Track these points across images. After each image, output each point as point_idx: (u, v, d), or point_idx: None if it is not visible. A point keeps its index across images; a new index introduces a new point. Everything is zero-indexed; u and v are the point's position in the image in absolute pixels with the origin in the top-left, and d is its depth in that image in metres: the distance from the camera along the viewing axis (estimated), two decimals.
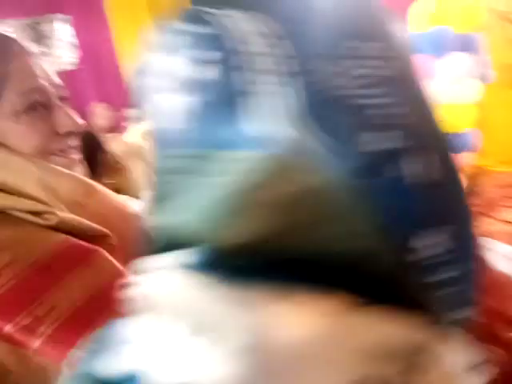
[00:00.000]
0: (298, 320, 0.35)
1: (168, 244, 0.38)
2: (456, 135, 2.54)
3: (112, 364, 0.37)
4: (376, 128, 0.33)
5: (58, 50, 4.27)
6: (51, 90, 0.74)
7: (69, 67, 4.33)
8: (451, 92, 2.50)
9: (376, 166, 0.33)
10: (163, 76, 0.38)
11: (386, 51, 0.38)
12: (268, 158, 0.31)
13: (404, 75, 0.41)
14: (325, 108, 0.32)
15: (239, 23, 0.34)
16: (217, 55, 0.34)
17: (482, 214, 3.84)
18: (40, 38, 4.25)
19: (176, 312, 0.36)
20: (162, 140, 0.40)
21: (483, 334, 1.04)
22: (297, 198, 0.33)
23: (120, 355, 0.37)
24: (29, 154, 0.70)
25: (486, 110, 4.62)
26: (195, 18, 0.37)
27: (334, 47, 0.35)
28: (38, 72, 0.73)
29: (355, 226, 0.33)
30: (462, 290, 0.40)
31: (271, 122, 0.31)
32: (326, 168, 0.31)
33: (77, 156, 0.78)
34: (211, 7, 0.38)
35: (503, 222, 3.53)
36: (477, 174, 3.36)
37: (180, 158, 0.37)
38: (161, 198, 0.40)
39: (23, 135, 0.70)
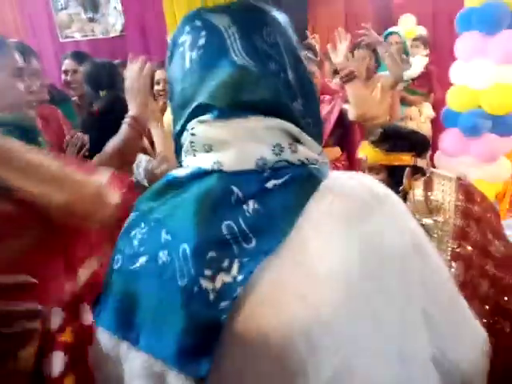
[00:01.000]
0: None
1: None
2: (498, 117, 2.46)
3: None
4: None
5: (109, 17, 4.40)
6: None
7: (117, 33, 4.46)
8: (498, 72, 2.41)
9: None
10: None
11: None
12: None
13: None
14: None
15: None
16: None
17: None
18: (94, 5, 4.38)
19: None
20: None
21: (493, 305, 1.05)
22: None
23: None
24: None
25: None
26: None
27: None
28: None
29: None
30: None
31: None
32: None
33: None
34: None
35: None
36: None
37: None
38: None
39: None
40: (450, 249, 1.02)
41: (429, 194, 1.09)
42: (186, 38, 0.61)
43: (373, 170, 1.48)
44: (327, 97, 2.15)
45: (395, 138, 1.49)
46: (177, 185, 0.60)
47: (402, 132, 1.59)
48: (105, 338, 0.61)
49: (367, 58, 2.58)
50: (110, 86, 2.24)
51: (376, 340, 0.52)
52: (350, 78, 1.88)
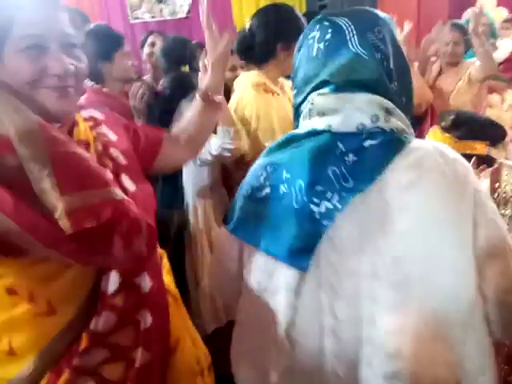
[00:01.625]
0: None
1: None
2: None
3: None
4: None
5: None
6: (51, 35, 0.87)
7: (183, 15, 4.57)
8: None
9: None
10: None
11: None
12: None
13: None
14: None
15: None
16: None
17: None
18: None
19: None
20: None
21: None
22: None
23: None
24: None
25: None
26: None
27: None
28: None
29: None
30: None
31: None
32: None
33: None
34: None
35: None
36: None
37: None
38: None
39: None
40: None
41: (496, 185, 1.05)
42: (315, 34, 0.84)
43: None
44: None
45: (468, 125, 1.44)
46: (295, 140, 0.84)
47: (475, 119, 1.52)
48: (232, 242, 0.91)
49: (455, 41, 2.47)
50: (186, 61, 2.31)
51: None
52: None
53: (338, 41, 0.80)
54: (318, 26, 0.84)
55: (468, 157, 1.37)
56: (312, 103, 0.82)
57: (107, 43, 2.05)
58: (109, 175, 0.91)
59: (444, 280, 0.72)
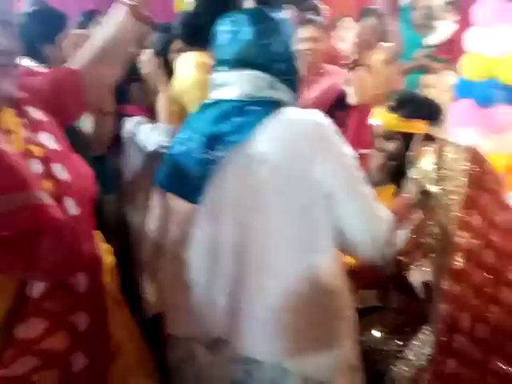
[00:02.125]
0: None
1: None
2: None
3: None
4: None
5: None
6: None
7: None
8: None
9: None
10: None
11: None
12: None
13: None
14: None
15: None
16: None
17: None
18: None
19: None
20: None
21: (493, 274, 1.06)
22: None
23: None
24: None
25: None
26: None
27: None
28: None
29: None
30: None
31: None
32: None
33: None
34: None
35: None
36: None
37: None
38: None
39: None
40: (458, 218, 1.01)
41: (439, 161, 1.07)
42: (223, 27, 1.08)
43: (388, 137, 1.47)
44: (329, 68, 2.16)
45: (412, 105, 1.48)
46: (205, 107, 1.10)
47: (418, 99, 1.57)
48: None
49: (374, 27, 2.49)
50: None
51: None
52: (354, 66, 1.97)
53: (236, 32, 1.03)
54: (225, 21, 1.08)
55: (412, 137, 1.41)
56: (214, 79, 1.08)
57: (49, 25, 1.91)
58: (33, 171, 0.82)
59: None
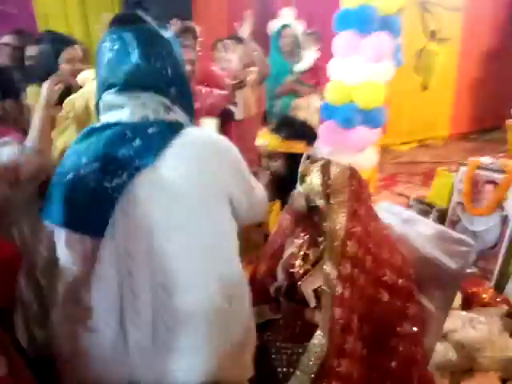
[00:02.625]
0: None
1: None
2: (368, 111, 2.76)
3: None
4: None
5: None
6: None
7: None
8: (369, 70, 2.68)
9: None
10: None
11: None
12: None
13: None
14: None
15: None
16: None
17: (384, 187, 4.27)
18: None
19: None
20: None
21: (374, 277, 1.23)
22: None
23: None
24: None
25: (392, 93, 5.01)
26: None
27: None
28: None
29: None
30: None
31: None
32: None
33: None
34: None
35: (400, 195, 3.98)
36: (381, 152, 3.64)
37: None
38: None
39: None
40: (344, 228, 1.12)
41: (325, 178, 1.18)
42: (107, 44, 1.00)
43: (272, 156, 1.58)
44: (208, 89, 2.22)
45: (290, 127, 1.61)
46: (94, 132, 0.99)
47: (295, 122, 1.71)
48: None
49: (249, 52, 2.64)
50: None
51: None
52: (240, 85, 2.07)
53: (122, 52, 0.97)
54: (108, 37, 0.99)
55: (294, 156, 1.52)
56: (103, 101, 1.00)
57: None
58: None
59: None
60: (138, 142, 0.93)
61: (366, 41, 2.58)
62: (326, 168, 1.21)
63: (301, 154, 1.45)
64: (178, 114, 0.99)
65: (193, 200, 0.95)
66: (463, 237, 1.39)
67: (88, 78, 1.91)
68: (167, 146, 0.93)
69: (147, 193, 0.92)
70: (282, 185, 1.57)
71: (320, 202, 1.20)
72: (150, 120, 0.95)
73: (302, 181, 1.28)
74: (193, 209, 0.95)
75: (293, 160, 1.49)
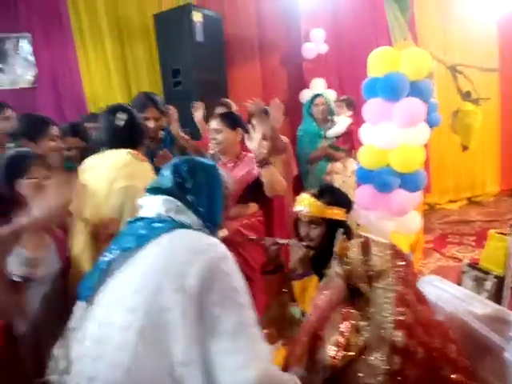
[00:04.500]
0: None
1: None
2: (406, 175, 2.67)
3: None
4: None
5: (15, 67, 4.09)
6: None
7: (28, 85, 4.14)
8: (403, 134, 2.64)
9: None
10: None
11: None
12: None
13: None
14: None
15: None
16: None
17: (434, 249, 4.02)
18: (2, 55, 4.05)
19: None
20: None
21: (427, 371, 1.07)
22: None
23: None
24: None
25: (433, 152, 4.95)
26: None
27: None
28: None
29: None
30: None
31: None
32: None
33: None
34: None
35: (451, 258, 3.71)
36: (428, 212, 3.45)
37: None
38: None
39: None
40: (392, 317, 1.01)
41: (366, 259, 1.09)
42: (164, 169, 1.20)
43: (313, 222, 1.48)
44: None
45: (332, 193, 1.54)
46: (131, 222, 1.18)
47: (335, 188, 1.65)
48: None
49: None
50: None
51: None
52: (263, 163, 2.02)
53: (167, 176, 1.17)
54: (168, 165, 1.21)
55: (333, 223, 1.45)
56: (139, 201, 1.20)
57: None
58: None
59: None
60: (144, 231, 1.09)
61: (397, 107, 2.57)
62: (365, 247, 1.12)
63: (340, 222, 1.40)
64: (187, 217, 1.12)
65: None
66: None
67: None
68: (154, 239, 1.04)
69: (122, 270, 1.04)
70: (319, 256, 1.49)
71: (362, 286, 1.10)
72: (161, 216, 1.11)
73: (340, 260, 1.19)
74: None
75: (333, 228, 1.42)
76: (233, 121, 2.26)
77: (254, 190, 2.16)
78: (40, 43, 4.05)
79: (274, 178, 2.10)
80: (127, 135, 1.76)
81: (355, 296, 1.15)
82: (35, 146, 1.91)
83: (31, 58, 4.12)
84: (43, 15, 3.96)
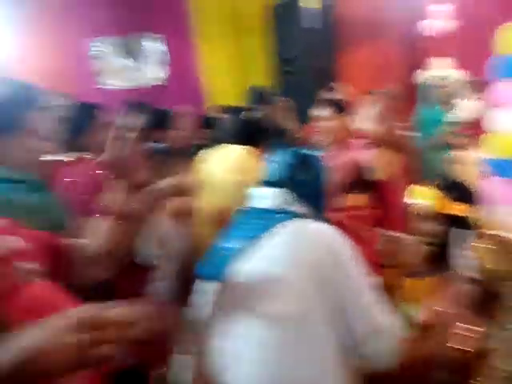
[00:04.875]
0: None
1: None
2: None
3: None
4: None
5: (148, 65, 4.47)
6: None
7: (156, 82, 4.50)
8: None
9: None
10: None
11: None
12: None
13: None
14: None
15: None
16: None
17: None
18: (132, 54, 4.49)
19: None
20: None
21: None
22: None
23: None
24: None
25: None
26: None
27: None
28: None
29: None
30: None
31: None
32: None
33: None
34: None
35: None
36: None
37: None
38: None
39: None
40: None
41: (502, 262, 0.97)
42: (274, 158, 1.27)
43: (430, 218, 1.37)
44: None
45: (457, 187, 1.41)
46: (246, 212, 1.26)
47: (460, 181, 1.52)
48: None
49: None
50: None
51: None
52: (377, 144, 1.98)
53: (279, 165, 1.24)
54: (277, 154, 1.27)
55: (457, 221, 1.33)
56: (253, 191, 1.26)
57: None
58: None
59: None
60: (263, 221, 1.16)
61: None
62: (502, 247, 1.00)
63: (462, 220, 1.30)
64: (299, 207, 1.17)
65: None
66: None
67: None
68: (273, 227, 1.11)
69: (257, 260, 1.09)
70: (438, 255, 1.36)
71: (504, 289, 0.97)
72: (278, 207, 1.17)
73: (469, 260, 1.08)
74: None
75: (456, 225, 1.30)
76: (339, 107, 2.18)
77: (361, 180, 2.08)
78: (170, 43, 4.42)
79: (385, 160, 2.00)
80: (250, 134, 1.90)
81: (490, 299, 1.03)
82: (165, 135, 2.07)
83: (164, 57, 4.50)
84: (171, 16, 4.29)
